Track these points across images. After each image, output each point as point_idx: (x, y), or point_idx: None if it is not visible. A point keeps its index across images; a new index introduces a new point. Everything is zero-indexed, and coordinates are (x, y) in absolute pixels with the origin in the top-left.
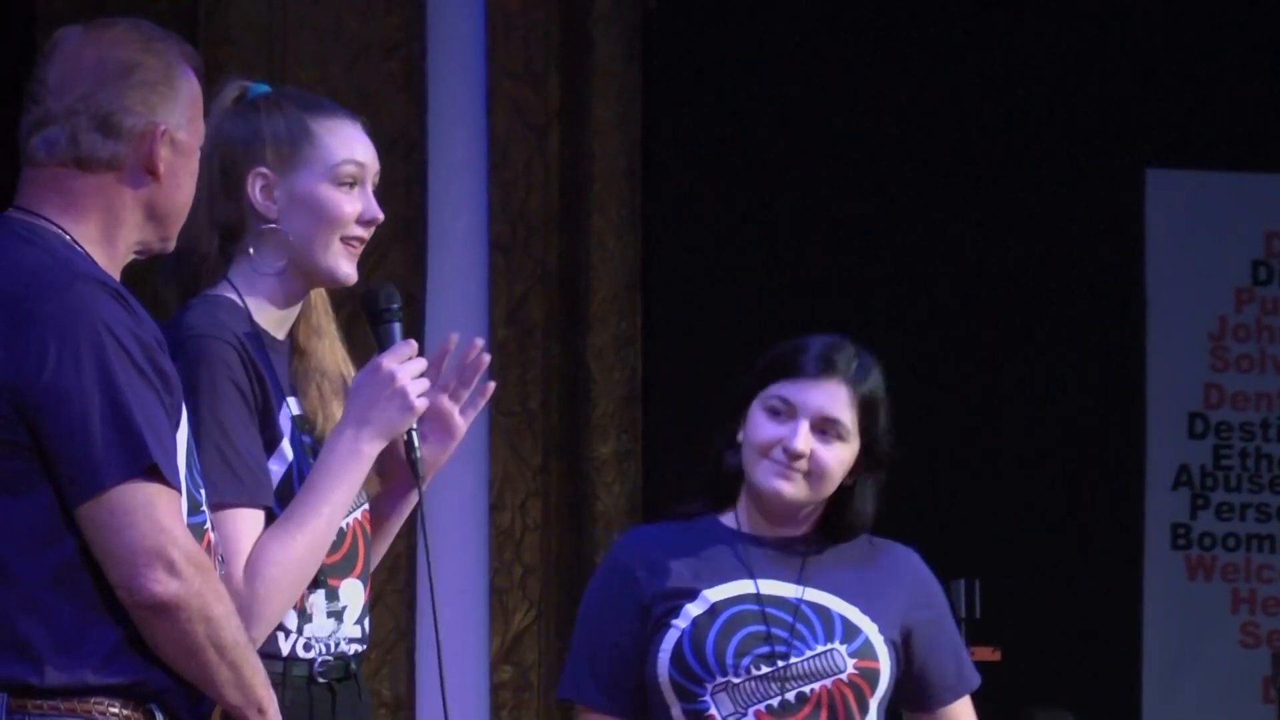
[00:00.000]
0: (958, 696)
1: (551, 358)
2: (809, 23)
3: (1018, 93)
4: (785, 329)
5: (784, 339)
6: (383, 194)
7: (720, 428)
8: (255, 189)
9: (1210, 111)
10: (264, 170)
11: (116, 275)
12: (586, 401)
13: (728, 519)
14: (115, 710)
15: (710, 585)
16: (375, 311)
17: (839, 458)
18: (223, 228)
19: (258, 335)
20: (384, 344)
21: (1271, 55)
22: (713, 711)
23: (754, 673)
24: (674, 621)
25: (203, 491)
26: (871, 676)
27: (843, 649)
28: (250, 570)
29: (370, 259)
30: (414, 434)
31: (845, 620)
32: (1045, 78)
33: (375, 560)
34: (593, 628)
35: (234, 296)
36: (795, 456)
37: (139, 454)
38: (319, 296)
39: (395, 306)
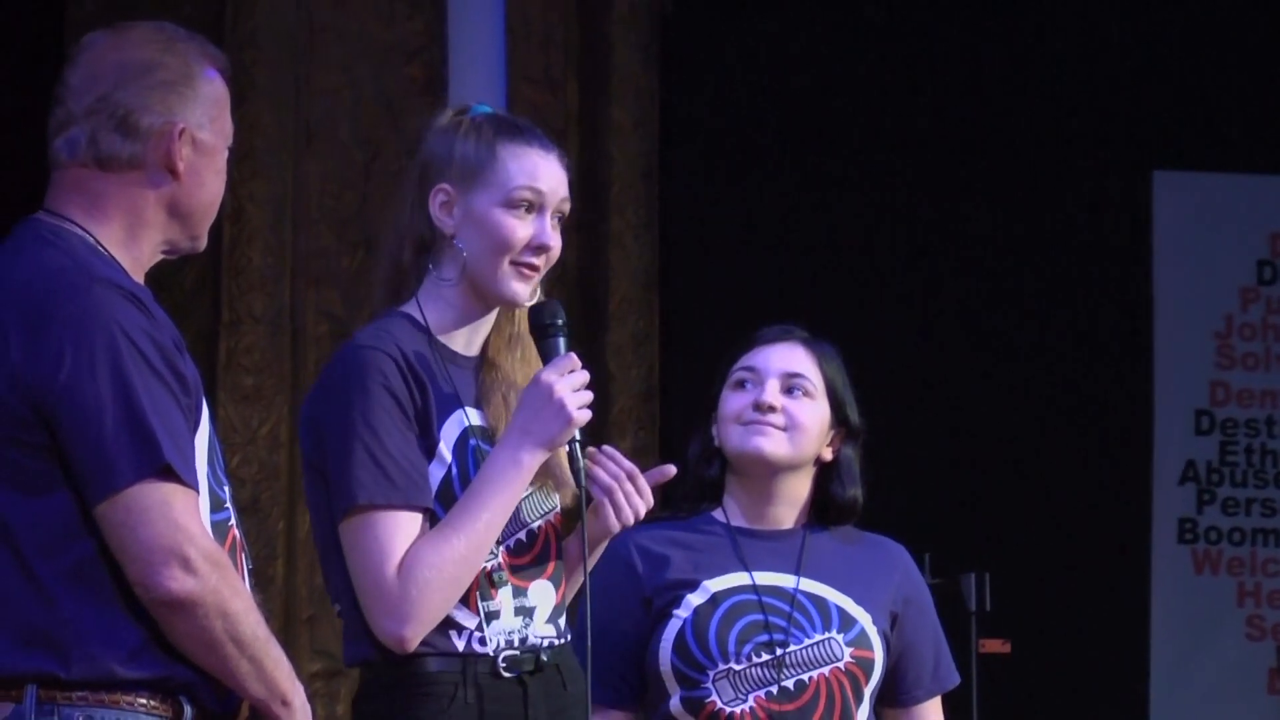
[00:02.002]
0: (931, 695)
1: None
2: (821, 28)
3: (1029, 98)
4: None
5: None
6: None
7: (695, 438)
8: (435, 203)
9: (1217, 115)
10: (446, 186)
11: (141, 275)
12: (605, 398)
13: (719, 514)
14: (144, 702)
15: (709, 576)
16: (539, 326)
17: (811, 412)
18: (417, 241)
19: (432, 348)
20: (547, 357)
21: (1276, 59)
22: (714, 698)
23: (755, 660)
24: (676, 611)
25: (227, 489)
26: (866, 665)
27: (840, 638)
28: (404, 571)
29: None
30: (576, 445)
31: (841, 610)
32: (1056, 84)
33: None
34: (596, 622)
35: (415, 313)
36: (768, 409)
37: (153, 454)
38: (522, 311)
39: (560, 321)
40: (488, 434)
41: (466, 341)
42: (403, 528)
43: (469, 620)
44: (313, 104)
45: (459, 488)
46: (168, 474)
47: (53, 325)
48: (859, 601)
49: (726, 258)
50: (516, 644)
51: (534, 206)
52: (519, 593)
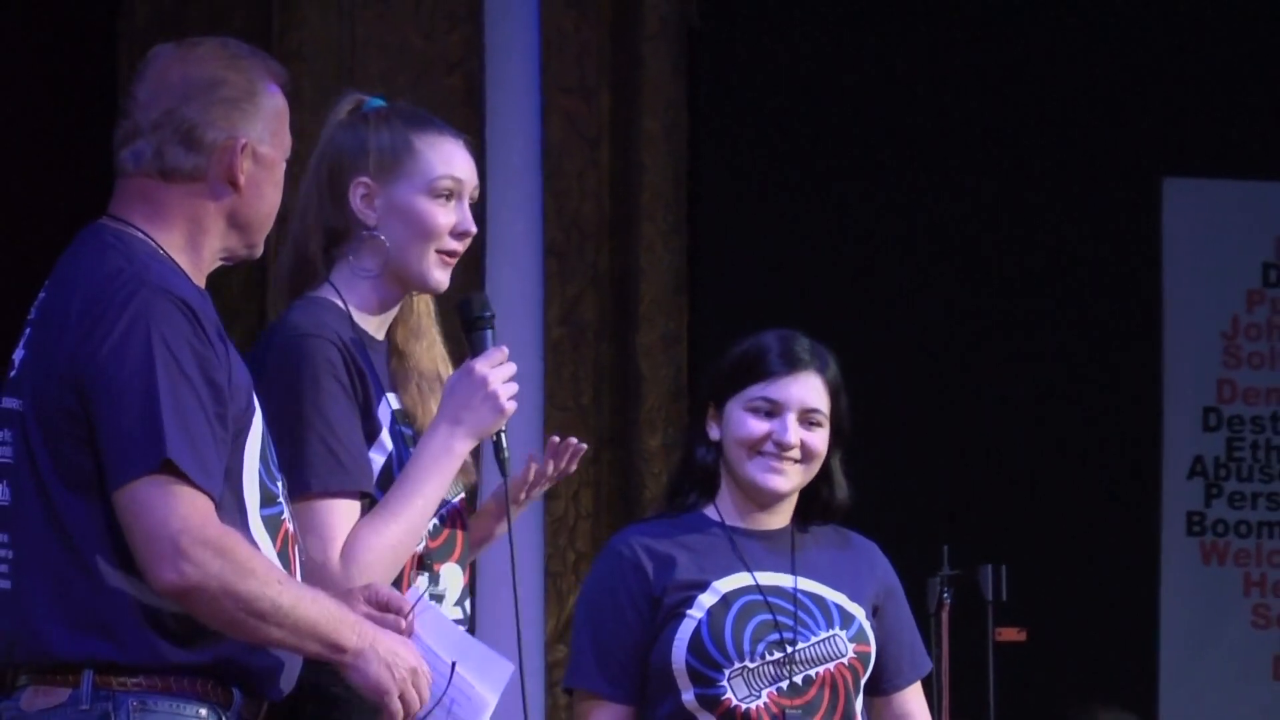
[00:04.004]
0: (910, 682)
1: (603, 356)
2: (845, 40)
3: (1041, 106)
4: (824, 330)
5: (833, 339)
6: None
7: (691, 429)
8: (356, 196)
9: (1223, 122)
10: (365, 179)
11: (202, 280)
12: (636, 397)
13: (712, 512)
14: (196, 688)
15: (717, 577)
16: (469, 319)
17: (823, 440)
18: (328, 232)
19: (357, 334)
20: (477, 349)
21: None
22: (728, 695)
23: (767, 658)
24: (688, 611)
25: (279, 484)
26: (865, 659)
27: (843, 634)
28: (346, 555)
29: None
30: (503, 435)
31: (840, 608)
32: (1068, 92)
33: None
34: (601, 620)
35: (335, 298)
36: (788, 448)
37: (159, 448)
38: (421, 300)
39: (488, 314)
40: (408, 419)
41: (378, 328)
42: (347, 513)
43: None
44: None
45: (397, 471)
46: (170, 469)
47: (99, 324)
48: (852, 598)
49: (754, 262)
50: None
51: (454, 194)
52: (432, 577)
